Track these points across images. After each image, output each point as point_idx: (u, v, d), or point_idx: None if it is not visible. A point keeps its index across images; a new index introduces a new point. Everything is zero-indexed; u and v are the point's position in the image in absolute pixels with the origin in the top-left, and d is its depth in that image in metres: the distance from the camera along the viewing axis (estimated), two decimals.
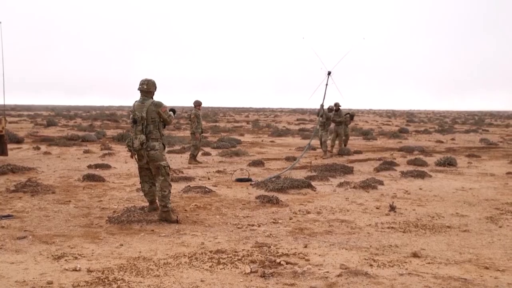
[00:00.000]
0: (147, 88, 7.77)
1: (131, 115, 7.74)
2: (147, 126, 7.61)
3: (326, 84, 14.30)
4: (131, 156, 7.85)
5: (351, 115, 20.34)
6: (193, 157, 16.01)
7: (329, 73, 14.22)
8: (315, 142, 20.19)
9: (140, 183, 8.19)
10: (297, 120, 60.00)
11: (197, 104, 16.38)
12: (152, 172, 7.88)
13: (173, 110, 8.07)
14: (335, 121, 19.43)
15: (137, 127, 7.62)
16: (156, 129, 7.68)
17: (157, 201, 7.97)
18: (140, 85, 7.78)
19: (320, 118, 18.22)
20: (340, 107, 19.82)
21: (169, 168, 7.90)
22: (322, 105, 17.18)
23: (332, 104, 19.70)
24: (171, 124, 7.96)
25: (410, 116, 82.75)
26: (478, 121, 64.14)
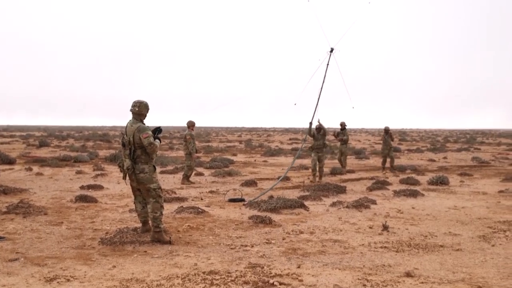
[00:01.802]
0: (139, 110, 7.68)
1: (122, 137, 7.73)
2: (135, 151, 7.53)
3: (328, 64, 13.45)
4: (123, 177, 7.82)
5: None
6: (186, 177, 16.00)
7: (331, 50, 13.34)
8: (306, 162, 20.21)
9: (133, 202, 8.17)
10: (290, 139, 60.12)
11: (191, 124, 16.38)
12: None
13: (159, 129, 7.90)
14: (342, 140, 19.91)
15: (125, 151, 7.59)
16: (145, 153, 7.57)
17: (149, 222, 7.92)
18: (132, 106, 7.69)
19: (313, 139, 17.32)
20: (346, 127, 20.22)
21: (161, 190, 7.80)
22: (311, 123, 15.57)
23: (337, 123, 20.13)
24: (152, 154, 7.62)
25: (402, 135, 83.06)
26: (470, 139, 64.47)
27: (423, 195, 13.28)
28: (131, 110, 7.70)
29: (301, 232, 8.67)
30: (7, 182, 14.56)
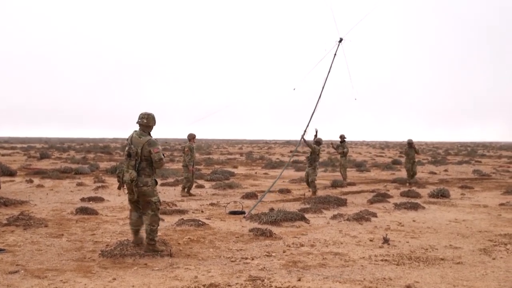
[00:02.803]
0: (147, 122, 7.70)
1: (127, 147, 7.67)
2: (141, 163, 7.53)
3: (335, 54, 13.02)
4: (119, 188, 7.82)
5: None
6: (184, 190, 16.03)
7: (340, 40, 12.88)
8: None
9: (129, 210, 8.10)
10: (291, 152, 60.11)
11: (191, 137, 16.43)
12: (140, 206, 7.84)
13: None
14: (343, 153, 19.98)
15: (130, 162, 7.56)
16: (150, 166, 7.60)
17: (141, 232, 7.89)
18: (139, 118, 7.71)
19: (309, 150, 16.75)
20: (345, 139, 20.29)
21: (160, 203, 7.84)
22: (305, 131, 14.22)
23: (338, 136, 20.02)
24: (159, 168, 7.75)
25: (403, 148, 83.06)
26: (471, 152, 64.48)
27: (424, 208, 13.27)
28: (138, 122, 7.71)
29: (302, 245, 8.66)
30: (8, 194, 14.57)
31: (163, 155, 7.75)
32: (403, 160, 23.37)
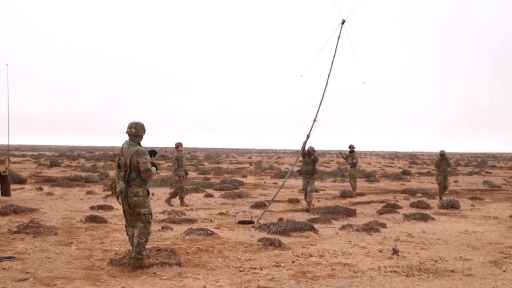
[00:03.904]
0: (136, 131, 7.51)
1: (117, 158, 7.52)
2: (130, 173, 7.33)
3: (338, 37, 12.50)
4: (113, 195, 7.68)
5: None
6: (183, 200, 15.92)
7: (343, 22, 12.37)
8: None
9: (125, 226, 7.77)
10: (300, 161, 59.92)
11: (177, 145, 16.17)
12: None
13: (153, 152, 7.73)
14: (352, 163, 19.95)
15: (120, 173, 7.39)
16: (140, 176, 7.37)
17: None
18: (128, 128, 7.53)
19: (305, 160, 15.52)
20: (354, 149, 20.26)
21: (151, 216, 7.57)
22: (308, 136, 13.43)
23: (341, 148, 19.85)
24: (147, 179, 7.42)
25: (413, 158, 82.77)
26: (481, 163, 64.08)
27: (433, 219, 13.19)
28: (127, 132, 7.54)
29: (311, 255, 8.63)
30: (18, 202, 14.66)
31: (156, 167, 7.59)
32: (434, 172, 21.03)
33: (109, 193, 18.20)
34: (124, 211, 7.59)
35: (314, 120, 12.90)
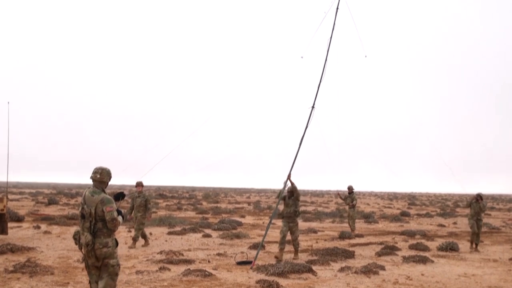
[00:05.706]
0: (100, 177, 6.93)
1: (80, 208, 6.90)
2: (96, 223, 6.73)
3: (337, 8, 12.34)
4: (78, 248, 6.97)
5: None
6: (146, 240, 15.46)
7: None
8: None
9: (89, 282, 7.02)
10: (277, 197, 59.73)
11: (137, 185, 15.54)
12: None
13: (122, 194, 7.35)
14: (352, 205, 19.97)
15: (84, 223, 6.75)
16: (106, 226, 6.77)
17: None
18: (93, 173, 6.95)
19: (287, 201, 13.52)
20: (353, 191, 20.30)
21: (119, 267, 6.95)
22: (289, 174, 12.60)
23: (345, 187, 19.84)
24: (113, 229, 6.80)
25: (411, 199, 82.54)
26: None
27: (432, 261, 13.13)
28: (91, 177, 6.97)
29: None
30: (15, 240, 14.59)
31: (121, 213, 7.02)
32: (467, 216, 17.30)
33: None
34: (87, 266, 6.93)
35: (312, 107, 12.53)
